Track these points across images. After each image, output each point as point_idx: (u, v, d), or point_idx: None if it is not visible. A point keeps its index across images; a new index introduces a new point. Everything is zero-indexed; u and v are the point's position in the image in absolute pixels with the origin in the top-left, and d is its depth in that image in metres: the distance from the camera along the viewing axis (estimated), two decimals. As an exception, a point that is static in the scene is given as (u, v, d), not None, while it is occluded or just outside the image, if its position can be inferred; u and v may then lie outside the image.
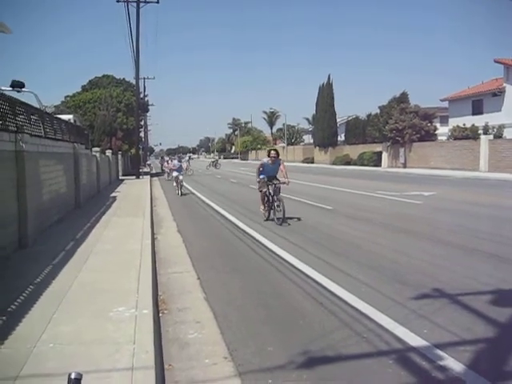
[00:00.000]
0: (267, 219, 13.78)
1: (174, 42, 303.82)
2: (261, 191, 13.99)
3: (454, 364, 4.36)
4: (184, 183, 25.20)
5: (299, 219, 13.71)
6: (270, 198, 13.69)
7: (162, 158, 64.81)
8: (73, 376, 2.14)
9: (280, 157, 14.08)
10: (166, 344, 5.09)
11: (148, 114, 76.10)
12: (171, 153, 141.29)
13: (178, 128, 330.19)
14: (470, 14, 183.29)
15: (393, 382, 4.13)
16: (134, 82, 42.00)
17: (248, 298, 6.71)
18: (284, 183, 13.65)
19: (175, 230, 12.71)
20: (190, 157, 67.19)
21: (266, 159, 13.95)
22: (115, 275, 7.13)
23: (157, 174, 46.61)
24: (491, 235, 10.73)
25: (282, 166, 13.84)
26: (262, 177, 13.86)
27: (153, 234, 11.54)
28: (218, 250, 10.07)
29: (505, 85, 42.29)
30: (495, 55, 56.88)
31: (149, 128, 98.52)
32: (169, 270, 8.41)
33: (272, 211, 13.71)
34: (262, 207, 14.09)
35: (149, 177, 38.75)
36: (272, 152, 13.89)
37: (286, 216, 13.03)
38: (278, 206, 13.27)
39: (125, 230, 11.50)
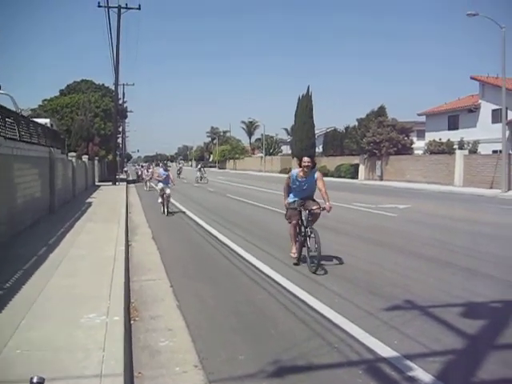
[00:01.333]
0: (298, 262, 9.25)
1: (154, 49, 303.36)
2: (290, 222, 9.48)
3: (423, 375, 4.40)
4: (171, 199, 19.60)
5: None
6: (303, 229, 9.28)
7: (142, 165, 58.44)
8: (35, 380, 2.11)
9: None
10: (136, 351, 5.04)
11: (126, 121, 75.88)
12: (149, 160, 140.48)
13: (157, 135, 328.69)
14: (449, 30, 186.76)
15: (362, 392, 4.14)
16: (113, 87, 41.81)
17: (220, 307, 6.69)
18: (324, 209, 9.08)
19: (150, 237, 12.63)
20: (183, 164, 66.67)
21: (295, 170, 9.44)
22: (87, 281, 7.05)
23: (133, 181, 46.28)
24: (464, 249, 10.87)
25: (320, 182, 9.19)
26: (291, 200, 9.46)
27: (127, 240, 11.47)
28: (192, 258, 10.04)
29: (480, 101, 43.06)
30: (472, 72, 57.96)
31: (127, 134, 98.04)
32: (142, 277, 8.34)
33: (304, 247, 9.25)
34: (294, 247, 9.48)
35: (125, 183, 38.46)
36: (305, 159, 9.16)
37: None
38: (310, 237, 8.98)
39: (99, 236, 11.39)
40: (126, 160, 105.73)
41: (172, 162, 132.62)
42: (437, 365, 4.64)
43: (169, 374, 4.49)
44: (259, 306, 6.67)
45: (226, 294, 7.32)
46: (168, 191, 18.00)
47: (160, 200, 18.52)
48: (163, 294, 7.26)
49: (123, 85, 61.47)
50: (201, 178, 47.44)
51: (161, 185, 18.71)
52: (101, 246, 9.95)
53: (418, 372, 4.45)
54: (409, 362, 4.67)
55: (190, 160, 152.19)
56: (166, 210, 18.08)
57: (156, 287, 7.68)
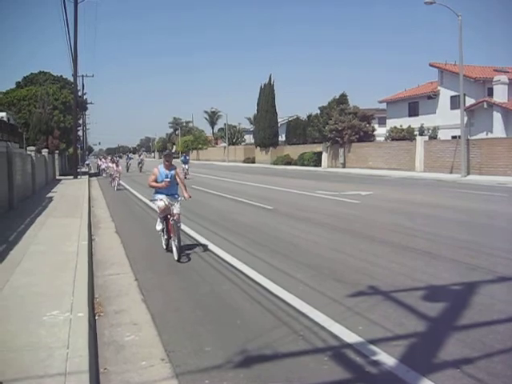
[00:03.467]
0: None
1: (114, 40, 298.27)
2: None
3: (387, 359, 4.48)
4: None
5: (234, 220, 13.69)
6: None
7: (102, 158, 50.46)
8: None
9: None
10: (101, 347, 4.98)
11: (87, 113, 74.55)
12: (111, 152, 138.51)
13: (118, 127, 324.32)
14: (409, 17, 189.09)
15: (328, 379, 4.19)
16: (72, 79, 40.97)
17: (186, 299, 6.67)
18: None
19: (113, 231, 12.47)
20: (144, 155, 63.82)
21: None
22: (50, 278, 6.94)
23: (96, 174, 45.57)
24: (425, 233, 11.08)
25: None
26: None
27: (90, 235, 11.30)
28: (156, 251, 9.95)
29: (439, 88, 43.84)
30: (431, 59, 58.89)
31: (88, 127, 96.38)
32: (106, 271, 8.24)
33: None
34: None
35: (87, 177, 37.85)
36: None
37: None
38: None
39: (61, 232, 11.21)
40: (87, 153, 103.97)
41: (134, 153, 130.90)
42: (400, 348, 4.73)
43: (135, 369, 4.46)
44: (224, 297, 6.67)
45: (192, 285, 7.29)
46: (177, 210, 9.16)
47: (160, 227, 9.72)
48: (128, 288, 7.19)
49: (82, 76, 60.28)
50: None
51: (161, 197, 9.26)
52: (63, 242, 9.80)
53: (382, 356, 4.54)
54: (373, 347, 4.75)
55: (153, 151, 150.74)
56: (175, 251, 9.00)
57: (120, 281, 7.60)
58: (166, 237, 9.67)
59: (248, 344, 4.92)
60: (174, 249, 9.02)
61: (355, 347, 4.77)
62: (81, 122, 64.35)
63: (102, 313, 6.06)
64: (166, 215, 9.37)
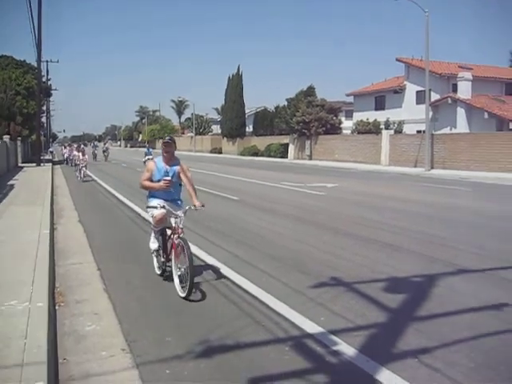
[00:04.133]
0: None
1: (81, 25, 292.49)
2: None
3: (347, 349, 4.54)
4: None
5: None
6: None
7: (66, 146, 47.09)
8: None
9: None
10: (61, 337, 4.91)
11: (51, 99, 73.06)
12: (76, 140, 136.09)
13: (84, 115, 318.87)
14: (378, 12, 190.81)
15: (289, 368, 4.22)
16: (35, 64, 40.04)
17: (148, 288, 6.63)
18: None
19: (76, 220, 12.28)
20: (110, 144, 60.74)
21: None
22: (9, 267, 6.80)
23: (60, 162, 44.73)
24: (388, 226, 11.23)
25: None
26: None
27: (52, 223, 11.10)
28: (120, 240, 9.86)
29: (405, 82, 44.37)
30: (397, 54, 59.58)
31: (52, 114, 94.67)
32: (68, 261, 8.11)
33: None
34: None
35: (50, 164, 37.17)
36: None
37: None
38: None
39: (22, 220, 10.99)
40: (51, 140, 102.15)
41: (99, 141, 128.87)
42: (360, 338, 4.80)
43: (95, 359, 4.41)
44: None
45: (154, 274, 7.23)
46: (181, 222, 6.46)
47: (156, 245, 7.07)
48: (90, 278, 7.09)
49: (47, 62, 58.91)
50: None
51: (158, 203, 6.58)
52: (23, 230, 9.61)
53: (343, 346, 4.59)
54: (334, 337, 4.80)
55: (119, 140, 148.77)
56: (179, 284, 6.30)
57: (82, 271, 7.49)
58: (162, 259, 6.97)
59: (210, 334, 4.92)
60: (177, 280, 6.34)
61: (316, 337, 4.82)
62: (45, 108, 63.09)
63: (63, 303, 5.97)
64: (163, 228, 6.96)
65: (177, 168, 6.77)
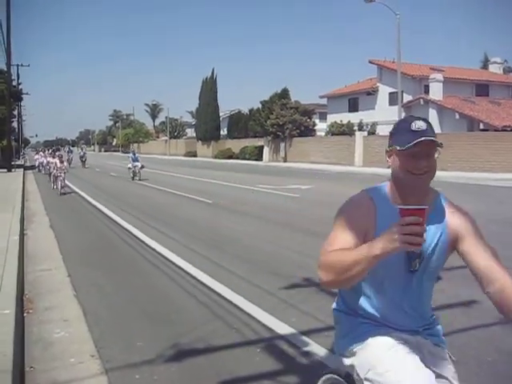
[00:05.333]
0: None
1: (53, 30, 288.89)
2: None
3: (318, 349, 4.55)
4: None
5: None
6: None
7: (39, 151, 45.26)
8: None
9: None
10: (29, 345, 4.81)
11: (22, 104, 71.97)
12: (48, 145, 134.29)
13: (57, 119, 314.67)
14: (352, 14, 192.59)
15: (259, 370, 4.21)
16: (5, 68, 39.40)
17: (119, 294, 6.56)
18: None
19: (47, 226, 12.09)
20: (85, 149, 54.09)
21: None
22: (-25, 274, 6.65)
23: (32, 167, 44.04)
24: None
25: None
26: None
27: (22, 229, 10.92)
28: (91, 246, 9.74)
29: (378, 84, 44.80)
30: (371, 56, 60.20)
31: (24, 118, 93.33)
32: (38, 267, 7.95)
33: None
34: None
35: (22, 170, 36.58)
36: None
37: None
38: None
39: (-9, 227, 10.77)
40: (23, 145, 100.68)
41: (73, 146, 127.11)
42: (331, 339, 4.79)
43: (63, 366, 4.33)
44: (159, 292, 6.61)
45: (125, 280, 7.17)
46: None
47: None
48: (60, 284, 6.98)
49: (17, 65, 58.04)
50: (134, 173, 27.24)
51: None
52: (-8, 237, 9.42)
53: (314, 347, 4.60)
54: (305, 338, 4.81)
55: (93, 144, 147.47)
56: None
57: (52, 277, 7.36)
58: None
59: (180, 338, 4.88)
60: None
61: (287, 338, 4.82)
62: (16, 113, 62.12)
63: (32, 310, 5.86)
64: None
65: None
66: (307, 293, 6.33)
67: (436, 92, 36.96)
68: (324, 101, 53.96)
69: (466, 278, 6.99)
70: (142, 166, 27.38)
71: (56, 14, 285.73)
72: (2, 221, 11.41)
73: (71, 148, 61.31)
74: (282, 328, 5.08)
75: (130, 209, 14.71)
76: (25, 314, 5.69)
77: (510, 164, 27.83)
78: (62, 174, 20.63)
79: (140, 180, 26.21)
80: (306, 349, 4.57)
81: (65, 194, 20.15)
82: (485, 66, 56.27)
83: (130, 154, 29.34)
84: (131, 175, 27.12)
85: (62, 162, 21.46)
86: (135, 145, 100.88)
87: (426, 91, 38.48)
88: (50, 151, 33.54)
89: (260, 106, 52.55)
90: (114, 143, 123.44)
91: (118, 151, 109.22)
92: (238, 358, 4.46)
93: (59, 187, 20.22)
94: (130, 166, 27.56)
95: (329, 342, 4.70)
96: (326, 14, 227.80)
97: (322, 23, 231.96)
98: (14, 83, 48.51)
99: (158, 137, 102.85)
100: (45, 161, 33.71)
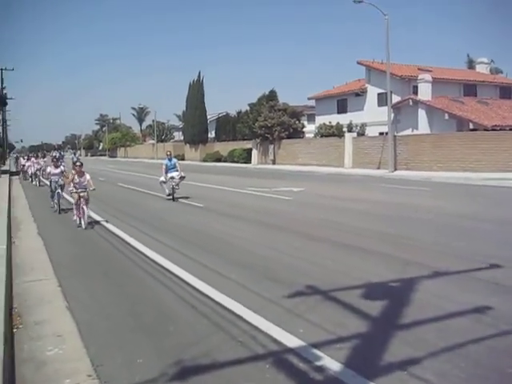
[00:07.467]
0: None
1: (38, 33, 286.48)
2: None
3: (331, 363, 4.27)
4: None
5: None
6: None
7: (18, 158, 42.69)
8: None
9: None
10: (19, 365, 4.47)
11: (7, 108, 71.05)
12: (34, 150, 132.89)
13: (42, 124, 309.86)
14: (340, 14, 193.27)
15: (271, 388, 3.93)
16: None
17: (115, 306, 6.23)
18: None
19: (35, 233, 11.69)
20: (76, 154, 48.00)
21: None
22: (-39, 287, 6.28)
23: (17, 173, 43.30)
24: (357, 229, 11.09)
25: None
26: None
27: (9, 237, 10.53)
28: (83, 254, 9.40)
29: (367, 85, 44.61)
30: (358, 57, 60.20)
31: (8, 123, 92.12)
32: (26, 277, 7.57)
33: None
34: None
35: (8, 175, 35.98)
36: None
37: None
38: None
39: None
40: (8, 151, 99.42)
41: (57, 150, 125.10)
42: (344, 351, 4.53)
43: (58, 388, 4.02)
44: (156, 301, 6.30)
45: (121, 290, 6.86)
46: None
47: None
48: (50, 295, 6.61)
49: (1, 69, 57.38)
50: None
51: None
52: (-22, 246, 9.03)
53: (326, 361, 4.32)
54: (316, 351, 4.52)
55: (79, 149, 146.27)
56: None
57: (42, 288, 6.99)
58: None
59: (183, 353, 4.57)
60: None
61: (297, 352, 4.53)
62: (1, 118, 61.33)
63: (21, 324, 5.51)
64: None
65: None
66: (312, 301, 6.03)
67: (425, 92, 36.87)
68: (312, 102, 53.73)
69: (473, 281, 6.82)
70: (182, 177, 18.41)
71: (42, 17, 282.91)
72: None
73: (62, 153, 54.82)
74: (290, 340, 4.78)
75: (119, 214, 14.34)
76: (14, 330, 5.35)
77: (500, 163, 27.81)
78: (85, 200, 12.64)
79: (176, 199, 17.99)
80: (318, 363, 4.27)
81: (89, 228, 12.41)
82: (470, 67, 56.47)
83: (165, 161, 19.03)
84: (167, 192, 18.22)
85: (81, 174, 12.99)
86: (122, 149, 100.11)
87: (415, 92, 38.37)
88: (52, 156, 25.44)
89: (248, 108, 52.25)
90: (100, 147, 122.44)
91: (105, 155, 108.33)
92: (248, 375, 4.15)
93: (84, 221, 12.35)
94: (162, 178, 18.47)
95: (341, 354, 4.44)
96: (313, 14, 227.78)
97: (308, 24, 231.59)
98: (-1, 88, 47.90)
99: (144, 140, 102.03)
100: (40, 170, 28.36)
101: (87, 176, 12.92)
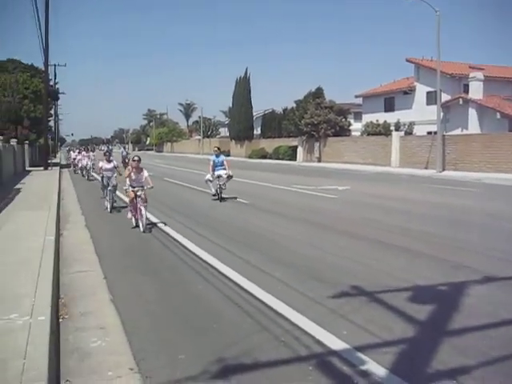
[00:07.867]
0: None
1: (89, 29, 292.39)
2: None
3: (376, 368, 4.14)
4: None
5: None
6: None
7: (78, 150, 37.52)
8: None
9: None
10: (64, 355, 4.53)
11: (59, 103, 72.91)
12: (84, 143, 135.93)
13: (92, 118, 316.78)
14: (388, 13, 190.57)
15: (313, 391, 3.83)
16: (43, 67, 39.82)
17: (159, 300, 6.24)
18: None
19: (83, 225, 11.91)
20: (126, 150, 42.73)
21: None
22: (10, 277, 6.41)
23: (67, 166, 44.36)
24: (403, 229, 10.85)
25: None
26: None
27: (58, 229, 10.75)
28: (129, 248, 9.48)
29: (415, 83, 43.77)
30: (407, 54, 59.10)
31: (60, 117, 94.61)
32: (73, 268, 7.71)
33: None
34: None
35: (58, 168, 36.88)
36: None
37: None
38: None
39: (27, 225, 10.64)
40: (59, 144, 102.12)
41: (106, 144, 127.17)
42: (389, 356, 4.39)
43: (101, 380, 4.04)
44: (200, 298, 6.27)
45: (165, 285, 6.86)
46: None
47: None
48: (95, 288, 6.70)
49: (54, 65, 58.71)
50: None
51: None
52: (28, 237, 9.24)
53: (371, 365, 4.19)
54: (360, 355, 4.40)
55: (127, 143, 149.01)
56: None
57: (88, 280, 7.10)
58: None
59: (225, 351, 4.52)
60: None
61: (341, 355, 4.42)
62: (52, 112, 62.94)
63: (67, 315, 5.59)
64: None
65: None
66: (357, 303, 5.90)
67: (476, 91, 35.90)
68: (359, 100, 53.12)
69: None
70: (230, 176, 17.11)
71: (93, 13, 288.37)
72: (38, 220, 11.28)
73: (110, 147, 51.63)
74: (334, 342, 4.68)
75: (166, 208, 14.45)
76: (60, 320, 5.43)
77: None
78: (143, 202, 11.51)
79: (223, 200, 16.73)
80: (363, 368, 4.15)
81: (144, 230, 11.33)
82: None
83: (213, 157, 17.39)
84: (213, 191, 17.05)
85: (140, 170, 11.99)
86: (168, 144, 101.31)
87: (465, 90, 37.41)
88: (103, 149, 23.48)
89: (294, 105, 51.99)
90: (147, 142, 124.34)
91: (152, 150, 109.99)
92: (290, 377, 4.07)
93: (142, 223, 11.26)
94: (209, 176, 17.16)
95: (387, 359, 4.31)
96: (361, 12, 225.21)
97: (357, 22, 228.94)
98: (51, 82, 49.13)
99: (191, 136, 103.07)
100: (86, 162, 28.53)
101: (145, 173, 11.93)
